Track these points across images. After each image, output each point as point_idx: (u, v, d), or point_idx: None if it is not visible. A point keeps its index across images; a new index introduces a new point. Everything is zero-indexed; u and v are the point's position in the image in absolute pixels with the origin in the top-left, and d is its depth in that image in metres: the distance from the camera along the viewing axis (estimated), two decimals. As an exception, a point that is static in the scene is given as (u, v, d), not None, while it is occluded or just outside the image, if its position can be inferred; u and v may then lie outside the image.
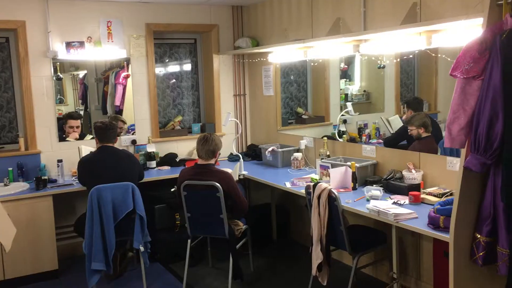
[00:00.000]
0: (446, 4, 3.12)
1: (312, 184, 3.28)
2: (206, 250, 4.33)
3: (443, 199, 2.92)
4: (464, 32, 2.80)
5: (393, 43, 3.41)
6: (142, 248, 3.67)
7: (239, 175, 4.30)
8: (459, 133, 2.37)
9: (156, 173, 4.59)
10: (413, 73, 4.44)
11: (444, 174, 3.25)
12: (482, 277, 2.47)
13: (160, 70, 5.30)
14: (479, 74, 2.30)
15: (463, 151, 2.39)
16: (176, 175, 3.84)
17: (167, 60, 5.36)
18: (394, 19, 3.45)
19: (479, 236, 2.41)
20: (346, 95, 4.77)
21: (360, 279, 3.67)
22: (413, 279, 3.59)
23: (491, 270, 2.42)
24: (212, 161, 3.66)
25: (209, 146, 3.61)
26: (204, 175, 3.55)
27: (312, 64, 4.78)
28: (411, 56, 3.81)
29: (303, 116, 5.14)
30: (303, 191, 3.46)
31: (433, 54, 3.41)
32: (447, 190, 3.11)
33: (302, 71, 5.24)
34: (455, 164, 3.15)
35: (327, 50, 4.04)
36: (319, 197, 3.16)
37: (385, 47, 3.55)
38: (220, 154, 3.79)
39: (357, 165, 3.67)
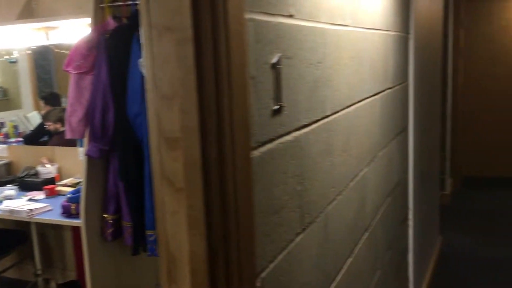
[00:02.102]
0: (60, 3, 3.25)
1: None
2: None
3: (76, 188, 3.09)
4: (77, 30, 3.01)
5: (12, 37, 3.33)
6: None
7: None
8: (78, 124, 2.55)
9: None
10: (50, 67, 4.44)
11: (77, 164, 3.42)
12: (113, 251, 2.77)
13: None
14: (90, 69, 2.53)
15: (86, 141, 2.60)
16: None
17: None
18: (10, 13, 3.35)
19: (107, 215, 2.69)
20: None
21: (4, 285, 3.49)
22: (59, 270, 3.65)
23: (120, 243, 2.74)
24: None
25: None
26: None
27: None
28: (29, 52, 3.79)
29: None
30: None
31: (57, 50, 3.51)
32: (81, 179, 3.29)
33: None
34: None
35: None
36: None
37: (4, 42, 3.42)
38: None
39: (-13, 166, 3.45)
